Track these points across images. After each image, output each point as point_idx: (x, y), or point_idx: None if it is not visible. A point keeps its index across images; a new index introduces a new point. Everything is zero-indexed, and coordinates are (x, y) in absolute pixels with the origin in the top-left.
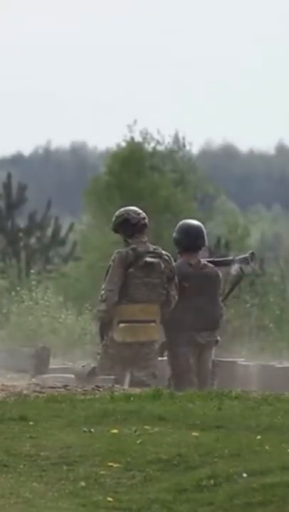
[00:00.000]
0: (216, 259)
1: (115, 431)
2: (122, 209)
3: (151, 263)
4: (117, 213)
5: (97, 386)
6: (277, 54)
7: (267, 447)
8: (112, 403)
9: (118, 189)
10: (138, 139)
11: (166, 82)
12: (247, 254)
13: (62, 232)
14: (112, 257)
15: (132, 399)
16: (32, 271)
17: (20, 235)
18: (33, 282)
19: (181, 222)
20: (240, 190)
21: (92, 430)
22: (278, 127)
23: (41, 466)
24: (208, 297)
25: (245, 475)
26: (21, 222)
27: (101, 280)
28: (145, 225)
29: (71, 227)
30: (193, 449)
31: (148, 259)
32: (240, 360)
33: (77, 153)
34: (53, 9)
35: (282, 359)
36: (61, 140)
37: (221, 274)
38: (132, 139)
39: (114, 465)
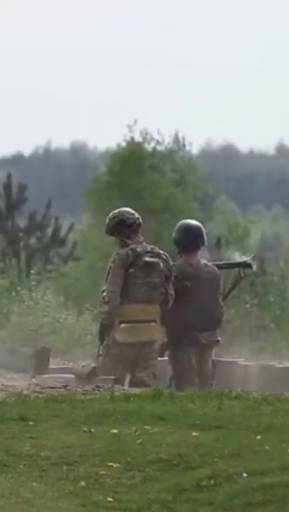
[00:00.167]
0: (221, 263)
1: (115, 431)
2: (115, 211)
3: (151, 262)
4: (110, 215)
5: (97, 386)
6: (278, 54)
7: (267, 447)
8: (112, 403)
9: (118, 189)
10: (138, 139)
11: (166, 82)
12: (249, 258)
13: (62, 232)
14: (112, 259)
15: (132, 399)
16: (32, 271)
17: (21, 235)
18: (33, 283)
19: (180, 223)
20: (240, 190)
21: (92, 430)
22: (278, 127)
23: (41, 466)
24: (209, 297)
25: (245, 475)
26: (21, 222)
27: (101, 280)
28: (140, 224)
29: (71, 227)
30: (193, 449)
31: (147, 258)
32: (240, 360)
33: (77, 153)
34: (53, 9)
35: (282, 359)
36: (61, 140)
37: (220, 274)
38: (132, 139)
39: (114, 465)
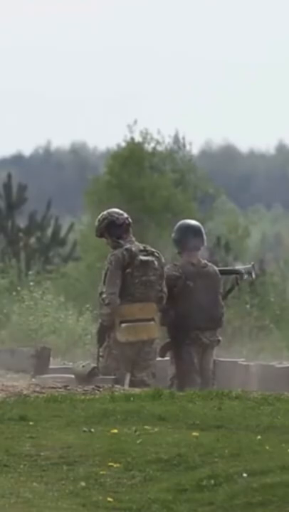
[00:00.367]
0: (223, 268)
1: (115, 431)
2: (103, 212)
3: (147, 261)
4: (99, 217)
5: (97, 386)
6: (278, 54)
7: (267, 447)
8: (112, 403)
9: (118, 189)
10: (138, 139)
11: (166, 82)
12: (250, 266)
13: (62, 232)
14: (108, 260)
15: (132, 399)
16: (31, 272)
17: (21, 235)
18: (31, 283)
19: (179, 223)
20: (240, 190)
21: (92, 430)
22: (278, 127)
23: (41, 466)
24: (210, 296)
25: (245, 475)
26: (21, 222)
27: (100, 281)
28: (130, 224)
29: (71, 227)
30: (193, 449)
31: (142, 257)
32: (240, 360)
33: (78, 153)
34: (53, 9)
35: (282, 359)
36: (61, 140)
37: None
38: (132, 139)
39: (114, 465)
